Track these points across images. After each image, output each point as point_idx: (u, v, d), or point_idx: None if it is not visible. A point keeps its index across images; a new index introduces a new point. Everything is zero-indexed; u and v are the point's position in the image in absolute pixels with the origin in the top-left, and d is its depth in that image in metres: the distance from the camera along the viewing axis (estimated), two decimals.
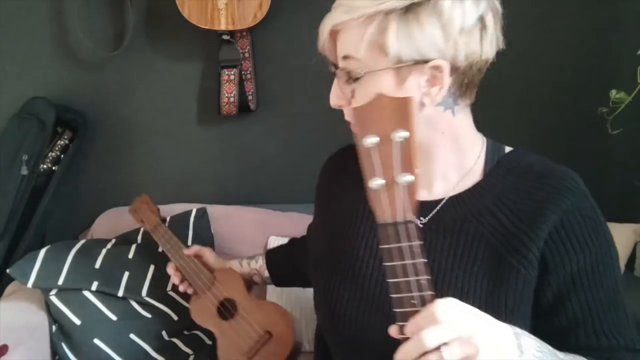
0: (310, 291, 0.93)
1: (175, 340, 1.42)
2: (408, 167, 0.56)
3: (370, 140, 0.57)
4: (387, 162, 0.57)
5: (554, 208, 0.73)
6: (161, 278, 1.47)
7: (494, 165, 0.81)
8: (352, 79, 0.72)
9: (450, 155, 0.80)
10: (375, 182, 0.58)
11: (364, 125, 0.58)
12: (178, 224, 1.63)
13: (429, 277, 0.58)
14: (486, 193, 0.78)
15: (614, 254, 0.76)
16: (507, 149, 0.85)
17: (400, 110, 0.56)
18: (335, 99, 0.74)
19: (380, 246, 0.59)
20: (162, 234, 1.37)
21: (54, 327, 1.40)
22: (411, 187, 0.57)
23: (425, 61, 0.69)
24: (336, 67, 0.73)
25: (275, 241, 1.61)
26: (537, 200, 0.74)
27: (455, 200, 0.80)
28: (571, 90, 1.69)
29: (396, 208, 0.57)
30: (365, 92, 0.72)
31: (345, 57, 0.72)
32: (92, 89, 1.77)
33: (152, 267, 1.48)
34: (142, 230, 1.59)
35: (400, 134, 0.56)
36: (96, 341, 1.37)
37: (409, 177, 0.56)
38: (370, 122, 0.57)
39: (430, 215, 0.80)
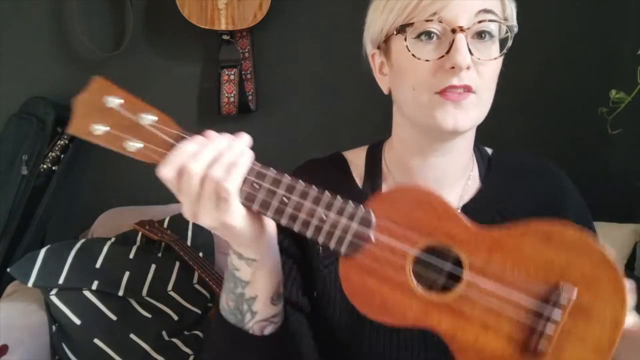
0: None
1: (175, 340, 1.42)
2: (140, 110, 0.59)
3: (98, 129, 0.58)
4: (123, 124, 0.59)
5: (560, 192, 0.80)
6: (162, 278, 1.47)
7: (487, 168, 0.81)
8: (484, 37, 0.68)
9: (464, 156, 0.78)
10: (134, 146, 0.59)
11: (85, 127, 0.59)
12: (177, 224, 1.63)
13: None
14: (492, 199, 0.78)
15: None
16: (488, 150, 0.85)
17: (98, 86, 0.61)
18: (469, 57, 0.66)
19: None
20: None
21: (54, 327, 1.40)
22: (160, 120, 0.61)
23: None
24: (460, 28, 0.66)
25: None
26: (541, 194, 0.79)
27: (466, 211, 0.75)
28: (571, 90, 1.69)
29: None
30: (494, 52, 0.70)
31: (485, 12, 0.68)
32: None
33: (152, 267, 1.48)
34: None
35: (111, 99, 0.59)
36: (96, 341, 1.37)
37: (150, 116, 0.60)
38: (89, 118, 0.59)
39: None
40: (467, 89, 0.67)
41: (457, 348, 0.60)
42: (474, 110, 0.69)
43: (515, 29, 0.72)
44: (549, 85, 1.71)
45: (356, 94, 1.71)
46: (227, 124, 1.81)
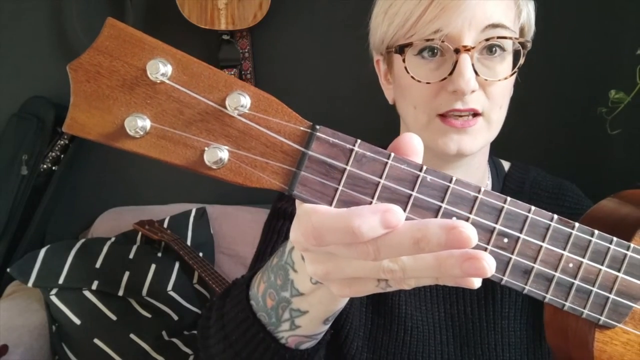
0: None
1: (175, 340, 1.42)
2: (217, 85, 0.35)
3: (137, 127, 0.34)
4: (183, 114, 0.34)
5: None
6: (162, 278, 1.47)
7: (501, 186, 0.75)
8: (494, 52, 0.61)
9: (476, 172, 0.71)
10: (214, 155, 0.34)
11: (102, 123, 0.34)
12: (177, 224, 1.63)
13: None
14: None
15: None
16: (505, 164, 0.80)
17: (127, 40, 0.36)
18: (474, 81, 0.59)
19: None
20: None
21: (54, 327, 1.40)
22: (259, 104, 0.36)
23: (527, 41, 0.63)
24: (465, 47, 0.59)
25: None
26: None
27: None
28: (570, 90, 1.69)
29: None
30: (504, 69, 0.62)
31: (494, 27, 0.60)
32: None
33: (152, 267, 1.48)
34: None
35: (159, 65, 0.35)
36: (96, 341, 1.37)
37: (238, 95, 0.34)
38: (112, 104, 0.34)
39: None
40: (474, 113, 0.60)
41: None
42: (481, 134, 0.62)
43: (529, 45, 0.64)
44: (549, 85, 1.71)
45: (356, 94, 1.71)
46: None
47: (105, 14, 1.72)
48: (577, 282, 0.40)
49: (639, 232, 0.43)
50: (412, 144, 0.37)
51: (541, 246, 0.38)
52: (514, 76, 0.65)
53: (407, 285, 0.36)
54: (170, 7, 1.60)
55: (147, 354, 1.39)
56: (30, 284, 1.38)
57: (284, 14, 1.70)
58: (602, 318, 0.41)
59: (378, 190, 0.35)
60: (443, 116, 0.61)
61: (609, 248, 0.40)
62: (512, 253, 0.38)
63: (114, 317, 1.40)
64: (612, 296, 0.41)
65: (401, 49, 0.62)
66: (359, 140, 0.36)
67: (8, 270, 1.43)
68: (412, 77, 0.61)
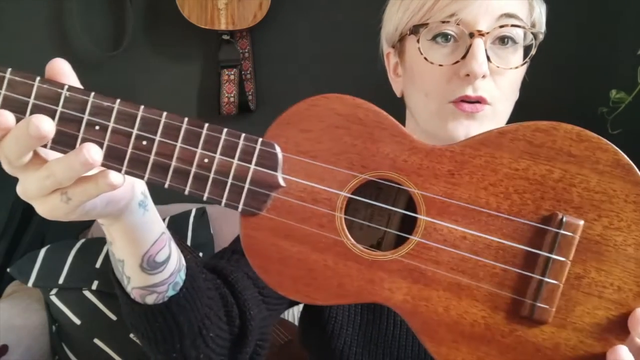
0: None
1: None
2: None
3: None
4: None
5: None
6: None
7: None
8: (506, 43, 0.63)
9: None
10: None
11: None
12: (177, 224, 1.63)
13: None
14: None
15: None
16: None
17: None
18: (486, 66, 0.60)
19: None
20: None
21: (54, 327, 1.40)
22: None
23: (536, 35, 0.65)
24: (479, 32, 0.61)
25: None
26: None
27: None
28: (571, 90, 1.69)
29: None
30: (515, 60, 0.64)
31: (508, 16, 0.62)
32: (91, 88, 1.77)
33: None
34: None
35: None
36: (96, 341, 1.37)
37: None
38: None
39: None
40: (482, 101, 0.62)
41: (422, 326, 0.44)
42: (488, 123, 0.63)
43: (542, 36, 0.66)
44: (549, 85, 1.71)
45: (356, 94, 1.71)
46: (227, 124, 1.81)
47: (105, 14, 1.73)
48: (212, 175, 0.44)
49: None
50: (60, 67, 0.44)
51: (176, 145, 0.43)
52: (523, 72, 0.67)
53: (76, 196, 0.41)
54: (170, 7, 1.60)
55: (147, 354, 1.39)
56: (30, 284, 1.38)
57: (284, 14, 1.70)
58: (241, 206, 0.44)
59: (29, 107, 0.42)
60: (453, 102, 0.63)
61: (237, 143, 0.44)
62: (151, 153, 0.43)
63: (114, 317, 1.39)
64: (246, 185, 0.44)
65: (416, 29, 0.64)
66: (10, 69, 0.42)
67: (8, 270, 1.43)
68: (425, 58, 0.63)
